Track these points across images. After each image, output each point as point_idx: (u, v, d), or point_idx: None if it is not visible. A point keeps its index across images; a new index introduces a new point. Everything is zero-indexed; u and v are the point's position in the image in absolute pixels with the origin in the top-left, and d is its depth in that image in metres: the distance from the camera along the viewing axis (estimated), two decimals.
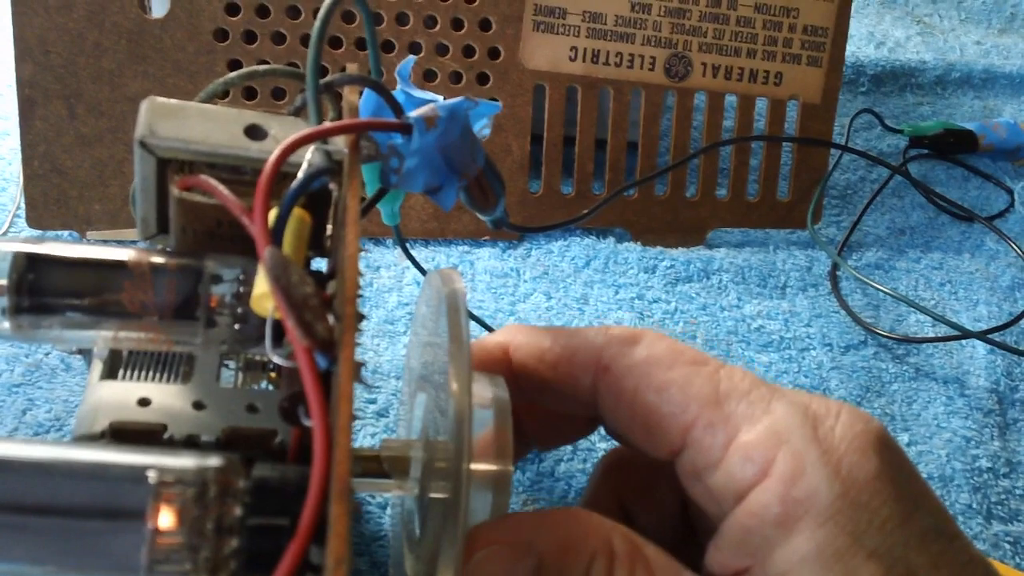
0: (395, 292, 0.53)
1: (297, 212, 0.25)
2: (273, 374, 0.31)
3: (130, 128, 0.27)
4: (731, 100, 0.60)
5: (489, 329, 0.50)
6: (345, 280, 0.24)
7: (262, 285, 0.24)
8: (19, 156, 0.53)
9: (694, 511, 0.34)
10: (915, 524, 0.27)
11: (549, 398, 0.33)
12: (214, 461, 0.21)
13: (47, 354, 0.47)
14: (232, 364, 0.31)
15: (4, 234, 0.54)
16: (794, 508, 0.27)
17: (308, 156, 0.26)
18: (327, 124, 0.27)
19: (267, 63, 0.54)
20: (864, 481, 0.27)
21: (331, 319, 0.23)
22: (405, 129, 0.29)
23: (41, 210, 0.54)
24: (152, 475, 0.21)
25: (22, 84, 0.53)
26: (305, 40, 0.54)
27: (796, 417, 0.29)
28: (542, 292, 0.55)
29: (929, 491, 0.29)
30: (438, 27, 0.56)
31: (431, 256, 0.57)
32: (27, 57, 0.52)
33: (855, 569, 0.26)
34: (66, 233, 0.55)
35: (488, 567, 0.27)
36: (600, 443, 0.45)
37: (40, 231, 0.54)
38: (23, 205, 0.54)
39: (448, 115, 0.29)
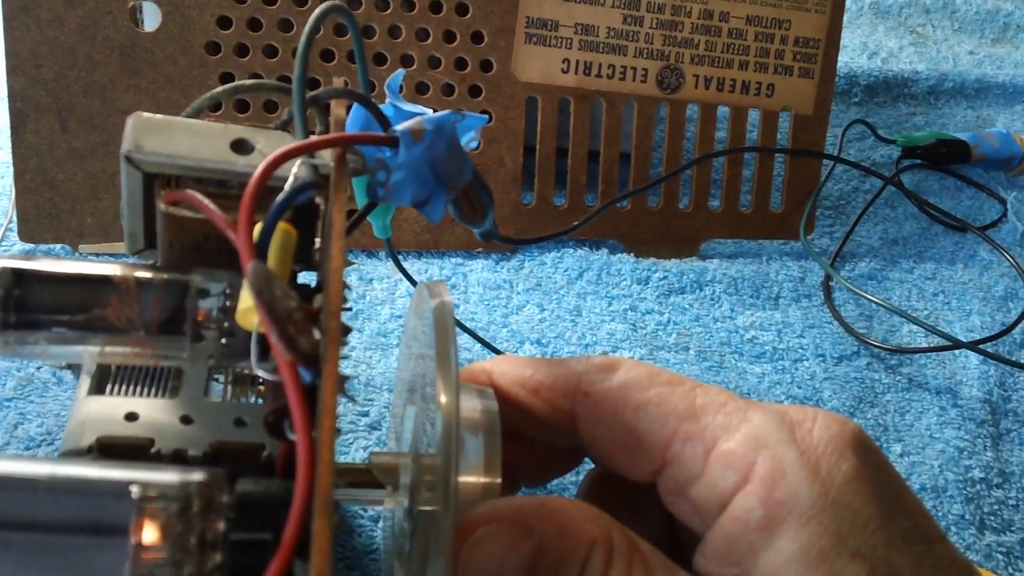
0: (387, 304, 0.53)
1: (282, 226, 0.25)
2: (262, 387, 0.31)
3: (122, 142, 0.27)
4: (723, 111, 0.60)
5: (482, 341, 0.50)
6: (330, 294, 0.24)
7: (247, 299, 0.24)
8: (11, 170, 0.53)
9: (680, 527, 0.34)
10: (896, 525, 0.27)
11: (531, 426, 0.34)
12: (197, 476, 0.21)
13: (39, 368, 0.47)
14: (222, 377, 0.31)
15: None
16: (776, 510, 0.27)
17: (294, 170, 0.26)
18: (313, 138, 0.27)
19: (259, 76, 0.55)
20: (843, 481, 0.28)
21: (316, 333, 0.23)
22: (392, 143, 0.29)
23: (33, 223, 0.54)
24: (135, 490, 0.21)
25: (13, 98, 0.53)
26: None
27: (773, 423, 0.29)
28: (535, 304, 0.55)
29: (909, 492, 0.29)
30: (430, 40, 0.56)
31: (424, 268, 0.57)
32: (19, 71, 0.52)
33: (840, 569, 0.26)
34: (58, 247, 0.55)
35: (488, 545, 0.27)
36: None
37: (32, 244, 0.54)
38: (15, 219, 0.54)
39: (435, 128, 0.29)
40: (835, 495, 0.27)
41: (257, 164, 0.26)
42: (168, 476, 0.21)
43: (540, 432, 0.34)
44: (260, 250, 0.24)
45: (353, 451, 0.45)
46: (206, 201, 0.26)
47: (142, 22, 0.54)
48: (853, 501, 0.27)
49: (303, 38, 0.28)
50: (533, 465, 0.36)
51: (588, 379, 0.32)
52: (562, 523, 0.28)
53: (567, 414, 0.32)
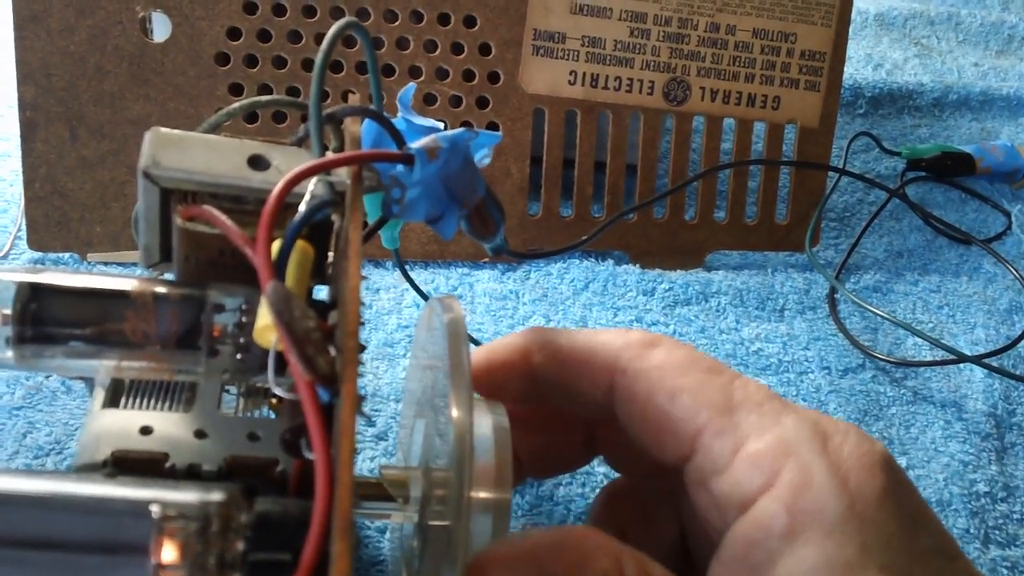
0: (394, 314, 0.53)
1: (300, 244, 0.25)
2: (274, 400, 0.31)
3: (131, 151, 0.27)
4: (729, 124, 0.60)
5: None
6: (347, 313, 0.24)
7: (265, 317, 0.24)
8: (20, 178, 0.54)
9: (692, 539, 0.34)
10: (919, 543, 0.28)
11: (566, 399, 0.34)
12: (217, 495, 0.21)
13: (47, 377, 0.47)
14: (233, 390, 0.31)
15: (5, 256, 0.54)
16: (801, 518, 0.27)
17: (311, 188, 0.26)
18: (330, 156, 0.27)
19: (268, 87, 0.55)
20: (871, 497, 0.27)
21: (332, 351, 0.23)
22: (407, 160, 0.29)
23: (42, 232, 0.54)
24: (155, 509, 0.21)
25: (24, 106, 0.53)
26: (306, 64, 0.55)
27: (805, 431, 0.29)
28: (541, 315, 0.55)
29: (931, 512, 0.29)
30: (438, 51, 0.56)
31: (431, 278, 0.57)
32: (29, 80, 0.53)
33: None
34: (67, 255, 0.55)
35: None
36: (599, 467, 0.45)
37: (41, 253, 0.54)
38: (24, 227, 0.54)
39: (450, 146, 0.30)
40: (861, 510, 0.27)
41: (273, 180, 0.26)
42: (187, 496, 0.21)
43: (574, 403, 0.34)
44: (278, 268, 0.25)
45: (361, 461, 0.45)
46: (223, 217, 0.26)
47: (152, 32, 0.54)
48: (878, 517, 0.27)
49: (319, 57, 0.28)
50: (543, 460, 0.37)
51: (626, 355, 0.32)
52: (573, 559, 0.28)
53: (604, 389, 0.32)
